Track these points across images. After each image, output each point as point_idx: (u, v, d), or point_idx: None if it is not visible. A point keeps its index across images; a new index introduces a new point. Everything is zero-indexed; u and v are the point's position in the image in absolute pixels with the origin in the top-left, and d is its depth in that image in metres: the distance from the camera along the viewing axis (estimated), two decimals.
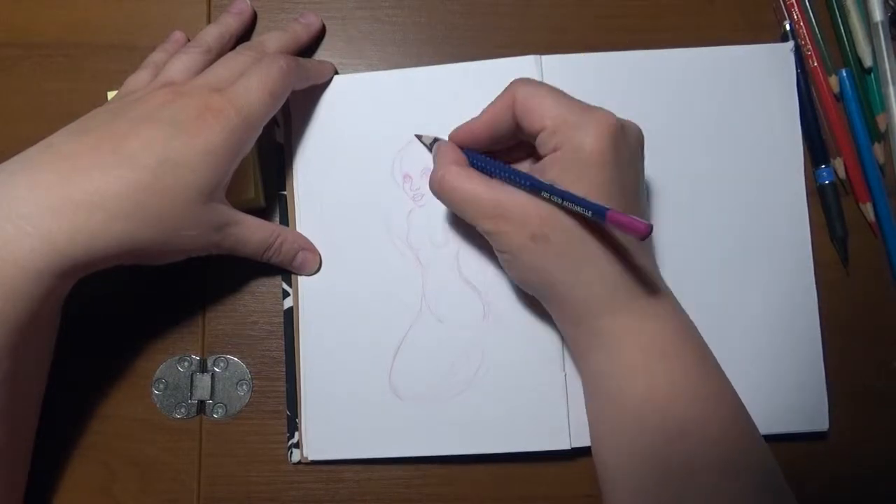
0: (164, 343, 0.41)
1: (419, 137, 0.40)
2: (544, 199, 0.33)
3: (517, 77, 0.40)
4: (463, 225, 0.40)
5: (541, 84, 0.35)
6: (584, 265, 0.33)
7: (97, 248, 0.31)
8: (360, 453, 0.39)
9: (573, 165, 0.33)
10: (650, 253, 0.36)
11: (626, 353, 0.34)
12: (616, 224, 0.29)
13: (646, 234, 0.28)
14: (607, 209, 0.30)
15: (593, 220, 0.31)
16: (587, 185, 0.32)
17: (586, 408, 0.38)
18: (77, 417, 0.40)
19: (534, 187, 0.33)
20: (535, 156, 0.36)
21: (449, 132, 0.40)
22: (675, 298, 0.35)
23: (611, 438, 0.35)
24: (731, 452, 0.32)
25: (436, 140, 0.39)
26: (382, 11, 0.43)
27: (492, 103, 0.36)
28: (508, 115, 0.35)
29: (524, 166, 0.38)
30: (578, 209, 0.31)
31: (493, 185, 0.34)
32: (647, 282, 0.34)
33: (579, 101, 0.34)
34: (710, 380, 0.34)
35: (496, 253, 0.36)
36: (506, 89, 0.35)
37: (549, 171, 0.33)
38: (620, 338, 0.34)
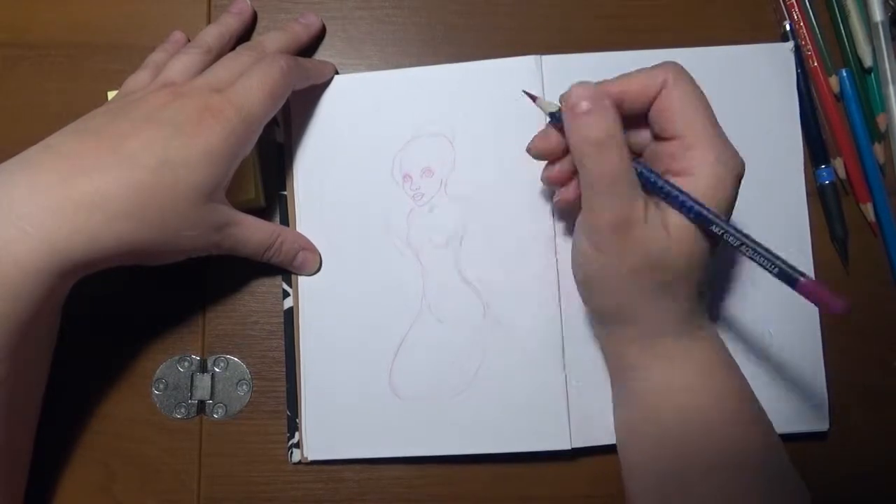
0: (164, 343, 0.41)
1: (532, 98, 0.35)
2: (732, 244, 0.30)
3: (517, 77, 0.40)
4: (463, 225, 0.40)
5: (698, 88, 0.32)
6: (677, 296, 0.33)
7: (97, 249, 0.31)
8: (361, 453, 0.39)
9: (701, 199, 0.31)
10: None
11: (684, 374, 0.34)
12: (811, 296, 0.27)
13: (845, 312, 0.26)
14: (803, 277, 0.28)
15: (783, 282, 0.29)
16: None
17: (617, 417, 0.38)
18: (77, 417, 0.40)
19: (715, 223, 0.30)
20: None
21: (449, 132, 0.40)
22: (712, 324, 0.36)
23: (646, 450, 0.35)
24: (763, 467, 0.33)
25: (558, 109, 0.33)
26: (382, 11, 0.43)
27: (634, 74, 0.32)
28: (647, 97, 0.32)
29: None
30: (768, 264, 0.29)
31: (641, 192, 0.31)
32: (705, 307, 0.35)
33: (721, 130, 0.32)
34: (749, 400, 0.35)
35: (582, 239, 0.33)
36: (657, 70, 0.32)
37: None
38: (681, 360, 0.34)
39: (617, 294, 0.33)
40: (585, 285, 0.35)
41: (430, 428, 0.39)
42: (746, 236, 0.31)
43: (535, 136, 0.35)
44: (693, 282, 0.33)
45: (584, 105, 0.31)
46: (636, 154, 0.35)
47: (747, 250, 0.30)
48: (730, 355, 0.35)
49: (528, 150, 0.35)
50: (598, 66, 0.41)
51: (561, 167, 0.35)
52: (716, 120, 0.32)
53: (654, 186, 0.32)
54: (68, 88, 0.42)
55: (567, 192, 0.35)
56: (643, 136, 0.34)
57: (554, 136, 0.34)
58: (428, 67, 0.41)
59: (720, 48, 0.41)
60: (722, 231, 0.31)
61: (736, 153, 0.32)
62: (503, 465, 0.40)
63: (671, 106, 0.32)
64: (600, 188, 0.31)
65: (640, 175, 0.32)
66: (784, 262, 0.29)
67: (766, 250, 0.30)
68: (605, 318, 0.36)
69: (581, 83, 0.32)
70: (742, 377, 0.35)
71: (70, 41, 0.43)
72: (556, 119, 0.33)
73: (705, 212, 0.31)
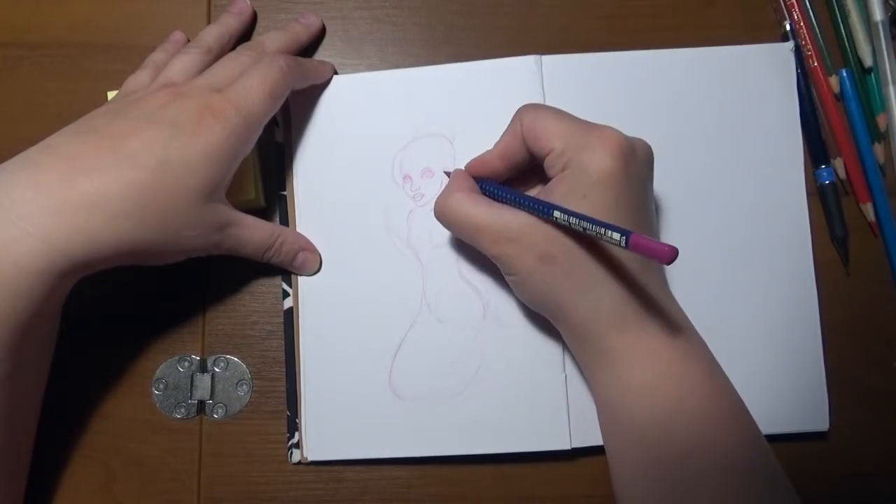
0: (164, 343, 0.41)
1: (447, 174, 0.40)
2: (562, 223, 0.32)
3: (517, 77, 0.40)
4: None
5: (545, 107, 0.35)
6: (591, 285, 0.33)
7: (97, 249, 0.31)
8: (361, 453, 0.39)
9: (579, 185, 0.33)
10: (660, 269, 0.36)
11: (634, 372, 0.33)
12: (639, 249, 0.28)
13: (670, 259, 0.27)
14: (630, 233, 0.29)
15: (611, 244, 0.30)
16: (592, 204, 0.32)
17: (599, 422, 0.38)
18: (77, 417, 0.40)
19: (545, 212, 0.32)
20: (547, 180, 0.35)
21: (448, 132, 0.40)
22: (683, 315, 0.35)
23: (621, 454, 0.35)
24: (738, 465, 0.32)
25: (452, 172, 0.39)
26: (382, 11, 0.43)
27: (503, 133, 0.36)
28: (519, 142, 0.35)
29: (535, 192, 0.38)
30: (599, 232, 0.30)
31: (496, 208, 0.34)
32: (655, 300, 0.34)
33: (585, 121, 0.34)
34: (715, 396, 0.34)
35: (505, 277, 0.36)
36: (513, 117, 0.36)
37: (555, 191, 0.33)
38: (627, 357, 0.33)
39: (543, 294, 0.34)
40: (530, 303, 0.37)
41: (430, 428, 0.39)
42: (574, 211, 0.31)
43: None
44: (606, 272, 0.33)
45: (438, 212, 0.36)
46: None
47: (578, 225, 0.31)
48: (696, 347, 0.34)
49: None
50: (598, 66, 0.41)
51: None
52: (574, 119, 0.34)
53: (509, 200, 0.35)
54: (68, 88, 0.42)
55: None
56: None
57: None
58: (428, 67, 0.41)
59: (720, 48, 0.41)
60: (548, 216, 0.32)
61: (604, 130, 0.33)
62: (503, 465, 0.40)
63: (531, 132, 0.34)
64: (470, 236, 0.35)
65: (496, 196, 0.35)
66: (612, 225, 0.29)
67: (594, 219, 0.30)
68: (553, 320, 0.36)
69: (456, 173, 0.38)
70: (711, 371, 0.34)
71: (70, 41, 0.43)
72: None
73: (543, 207, 0.32)
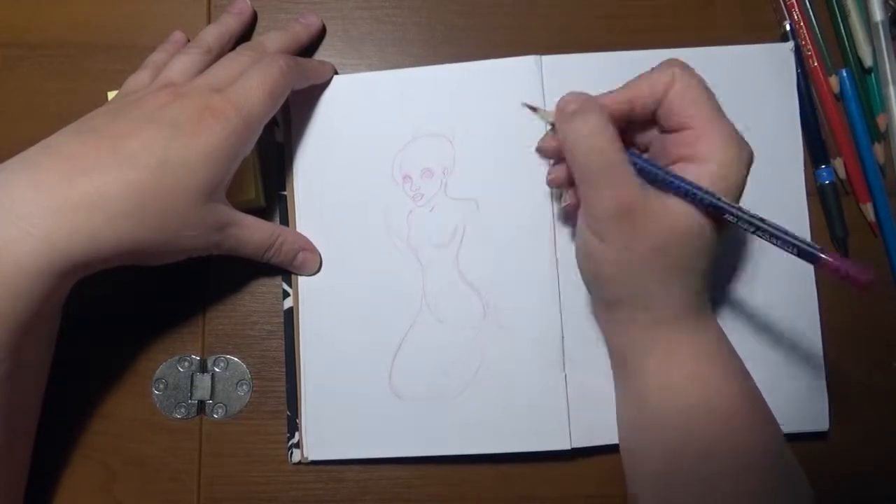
0: (164, 343, 0.41)
1: (533, 109, 0.36)
2: (744, 228, 0.30)
3: (517, 77, 0.40)
4: (463, 225, 0.40)
5: (701, 79, 0.33)
6: (682, 281, 0.33)
7: (97, 249, 0.31)
8: (361, 453, 0.39)
9: (712, 185, 0.31)
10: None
11: (683, 365, 0.34)
12: (835, 271, 0.27)
13: (868, 286, 0.26)
14: (826, 253, 0.27)
15: (804, 260, 0.29)
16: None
17: (619, 413, 0.38)
18: (77, 417, 0.40)
19: (731, 210, 0.30)
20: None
21: (448, 132, 0.40)
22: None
23: (642, 447, 0.35)
24: (757, 465, 0.33)
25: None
26: (382, 11, 0.43)
27: (640, 78, 0.33)
28: (657, 95, 0.33)
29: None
30: (788, 247, 0.29)
31: (637, 180, 0.32)
32: (708, 299, 0.35)
33: (729, 120, 0.32)
34: (749, 388, 0.35)
35: (586, 233, 0.33)
36: (660, 69, 0.33)
37: (685, 175, 0.32)
38: (680, 351, 0.34)
39: (628, 281, 0.33)
40: (597, 279, 0.35)
41: (430, 428, 0.39)
42: (761, 219, 0.30)
43: (544, 136, 0.36)
44: (700, 267, 0.33)
45: (572, 106, 0.32)
46: (643, 150, 0.35)
47: (763, 234, 0.30)
48: (731, 347, 0.35)
49: (537, 149, 0.36)
50: (598, 66, 0.41)
51: (565, 168, 0.35)
52: (721, 109, 0.33)
53: (656, 177, 0.32)
54: (68, 88, 0.42)
55: (574, 197, 0.35)
56: (650, 134, 0.35)
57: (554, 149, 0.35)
58: (428, 67, 0.41)
59: (720, 48, 0.41)
60: (735, 217, 0.31)
61: (743, 139, 0.32)
62: (503, 465, 0.40)
63: (678, 98, 0.32)
64: (594, 179, 0.32)
65: (640, 169, 0.32)
66: (802, 240, 0.29)
67: (783, 231, 0.30)
68: (617, 307, 0.35)
69: (572, 93, 0.33)
70: (744, 367, 0.35)
71: (70, 41, 0.43)
72: (555, 129, 0.34)
73: (708, 197, 0.31)
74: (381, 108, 0.41)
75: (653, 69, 0.33)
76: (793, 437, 0.39)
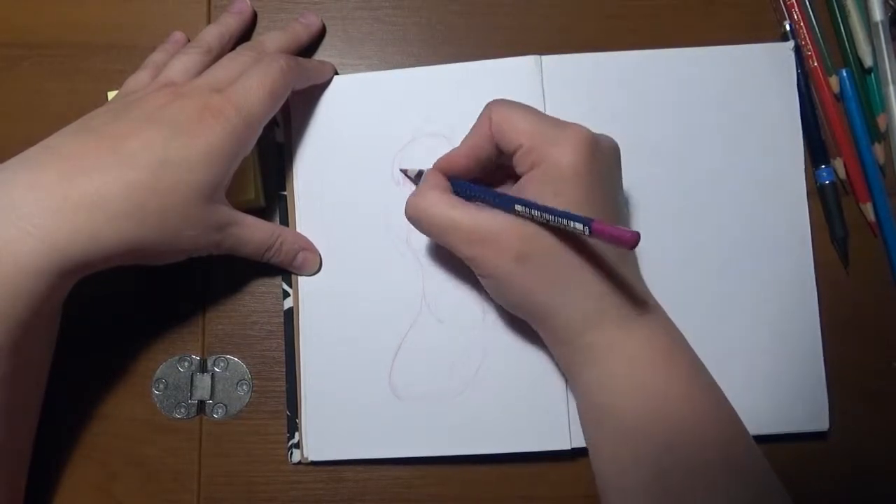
0: (164, 343, 0.41)
1: (404, 172, 0.40)
2: (526, 216, 0.32)
3: (517, 77, 0.40)
4: None
5: (514, 103, 0.35)
6: (568, 283, 0.33)
7: (97, 249, 0.32)
8: (361, 454, 0.39)
9: (550, 181, 0.33)
10: (634, 264, 0.36)
11: (616, 367, 0.33)
12: (602, 235, 0.29)
13: (633, 243, 0.28)
14: (592, 220, 0.29)
15: (577, 234, 0.31)
16: (565, 200, 0.32)
17: (581, 423, 0.37)
18: (77, 417, 0.40)
19: (514, 206, 0.32)
20: (515, 177, 0.35)
21: (448, 132, 0.40)
22: (661, 309, 0.35)
23: (607, 451, 0.35)
24: (724, 456, 0.32)
25: (420, 172, 0.39)
26: (382, 11, 0.43)
27: (471, 129, 0.36)
28: (487, 138, 0.35)
29: (506, 189, 0.37)
30: (562, 223, 0.30)
31: (469, 208, 0.34)
32: (632, 295, 0.34)
33: (553, 118, 0.34)
34: (699, 388, 0.34)
35: (479, 279, 0.36)
36: (482, 113, 0.35)
37: (527, 188, 0.33)
38: (608, 352, 0.33)
39: (525, 299, 0.34)
40: (509, 307, 0.37)
41: (430, 428, 0.39)
42: (537, 204, 0.31)
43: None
44: (584, 270, 0.33)
45: (410, 213, 0.35)
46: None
47: (541, 217, 0.31)
48: (677, 344, 0.35)
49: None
50: (598, 66, 0.41)
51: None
52: (541, 115, 0.34)
53: (479, 198, 0.35)
54: (68, 88, 0.42)
55: None
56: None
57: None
58: (428, 67, 0.41)
59: (720, 48, 0.41)
60: (528, 213, 0.32)
61: (571, 127, 0.33)
62: (503, 465, 0.40)
63: (499, 128, 0.34)
64: (441, 237, 0.35)
65: (468, 196, 0.35)
66: (574, 214, 0.30)
67: (556, 210, 0.31)
68: (537, 324, 0.36)
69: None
70: (693, 368, 0.34)
71: (70, 41, 0.43)
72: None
73: (508, 201, 0.33)
74: (381, 108, 0.41)
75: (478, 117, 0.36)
76: (793, 437, 0.39)
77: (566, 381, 0.39)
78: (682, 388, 0.33)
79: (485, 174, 0.37)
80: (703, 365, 0.35)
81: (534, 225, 0.33)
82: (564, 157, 0.32)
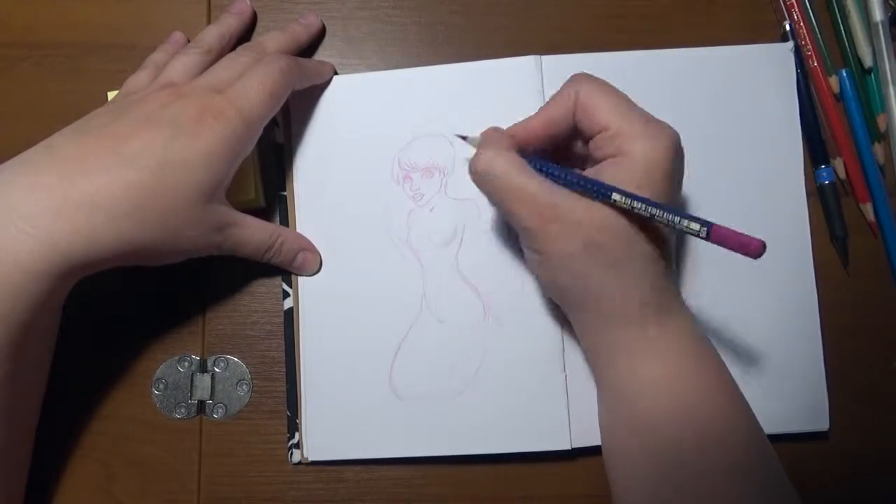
0: (164, 343, 0.41)
1: (464, 138, 0.38)
2: (624, 206, 0.31)
3: (517, 77, 0.40)
4: (463, 225, 0.40)
5: (604, 82, 0.34)
6: (630, 276, 0.33)
7: (98, 249, 0.31)
8: (361, 454, 0.39)
9: (636, 173, 0.32)
10: (674, 269, 0.36)
11: (649, 364, 0.34)
12: (725, 241, 0.27)
13: (759, 252, 0.27)
14: (712, 224, 0.28)
15: (691, 234, 0.30)
16: (648, 195, 0.31)
17: (600, 416, 0.38)
18: (77, 417, 0.40)
19: (607, 194, 0.31)
20: (573, 159, 0.35)
21: (449, 132, 0.40)
22: (691, 314, 0.35)
23: (621, 444, 0.35)
24: (737, 466, 0.32)
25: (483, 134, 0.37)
26: (382, 12, 0.43)
27: (551, 99, 0.35)
28: (568, 112, 0.34)
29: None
30: (672, 221, 0.29)
31: (549, 184, 0.33)
32: (672, 297, 0.34)
33: (640, 108, 0.34)
34: (725, 388, 0.34)
35: (526, 251, 0.35)
36: (566, 85, 0.34)
37: (604, 174, 0.33)
38: (645, 350, 0.34)
39: (575, 284, 0.34)
40: (551, 289, 0.36)
41: (430, 428, 0.39)
42: (655, 205, 0.31)
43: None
44: (641, 264, 0.33)
45: (482, 168, 0.34)
46: (581, 163, 0.36)
47: (661, 217, 0.31)
48: (706, 347, 0.35)
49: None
50: (598, 66, 0.41)
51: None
52: (633, 103, 0.34)
53: (561, 179, 0.33)
54: (68, 88, 0.42)
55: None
56: (580, 146, 0.36)
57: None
58: (428, 68, 0.41)
59: (720, 48, 0.41)
60: (628, 204, 0.31)
61: (663, 125, 0.33)
62: (503, 465, 0.40)
63: (585, 106, 0.33)
64: (505, 205, 0.33)
65: (546, 174, 0.33)
66: (689, 215, 0.29)
67: (676, 210, 0.30)
68: (576, 311, 0.36)
69: (486, 132, 0.36)
70: (720, 371, 0.34)
71: (70, 41, 0.43)
72: None
73: (603, 189, 0.32)
74: (381, 108, 0.41)
75: (561, 88, 0.35)
76: (793, 437, 0.39)
77: (566, 381, 0.39)
78: (708, 392, 0.33)
79: (553, 150, 0.36)
80: (725, 368, 0.35)
81: (613, 214, 0.32)
82: (656, 153, 0.32)
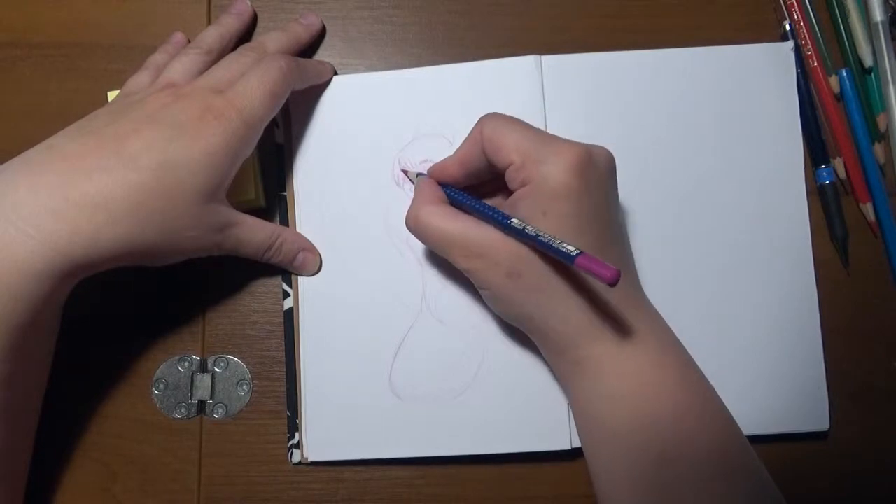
0: (165, 343, 0.41)
1: (405, 172, 0.40)
2: (515, 237, 0.33)
3: (517, 77, 0.40)
4: None
5: (508, 118, 0.35)
6: (558, 299, 0.33)
7: (98, 250, 0.31)
8: (361, 454, 0.39)
9: (541, 199, 0.32)
10: (632, 274, 0.36)
11: (607, 381, 0.33)
12: (585, 269, 0.29)
13: (613, 280, 0.28)
14: (575, 255, 0.29)
15: (561, 260, 0.31)
16: (555, 218, 0.32)
17: (578, 432, 0.38)
18: (77, 417, 0.40)
19: (505, 226, 0.33)
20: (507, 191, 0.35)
21: (448, 132, 0.40)
22: (656, 315, 0.35)
23: (602, 461, 0.35)
24: (719, 464, 0.32)
25: (418, 175, 0.39)
26: (382, 12, 0.43)
27: (465, 139, 0.36)
28: (479, 151, 0.35)
29: (498, 200, 0.38)
30: (549, 247, 0.30)
31: (467, 223, 0.34)
32: (625, 307, 0.33)
33: (546, 134, 0.34)
34: (692, 396, 0.34)
35: (478, 289, 0.36)
36: (475, 126, 0.35)
37: (518, 206, 0.33)
38: (600, 366, 0.33)
39: (518, 311, 0.35)
40: (508, 318, 0.37)
41: (431, 428, 0.39)
42: (524, 230, 0.32)
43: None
44: (567, 286, 0.33)
45: (411, 224, 0.36)
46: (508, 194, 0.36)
47: (533, 239, 0.31)
48: (671, 355, 0.34)
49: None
50: (598, 66, 0.41)
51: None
52: (538, 131, 0.34)
53: (471, 209, 0.35)
54: (68, 88, 0.42)
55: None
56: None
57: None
58: (428, 68, 0.41)
59: (720, 48, 0.41)
60: (505, 226, 0.33)
61: (568, 144, 0.33)
62: (503, 465, 0.40)
63: (490, 143, 0.34)
64: (443, 249, 0.35)
65: (460, 204, 0.36)
66: (557, 248, 0.30)
67: (542, 239, 0.31)
68: (533, 335, 0.36)
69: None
70: (684, 374, 0.34)
71: (70, 41, 0.43)
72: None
73: (502, 217, 0.33)
74: (380, 108, 0.41)
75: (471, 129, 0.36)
76: (793, 437, 0.39)
77: None
78: (673, 400, 0.33)
79: (479, 184, 0.37)
80: (696, 371, 0.35)
81: (522, 243, 0.33)
82: (554, 175, 0.32)
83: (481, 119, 0.35)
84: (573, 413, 0.38)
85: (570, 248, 0.30)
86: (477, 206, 0.35)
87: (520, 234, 0.32)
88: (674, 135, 0.41)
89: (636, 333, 0.33)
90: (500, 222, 0.33)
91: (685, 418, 0.33)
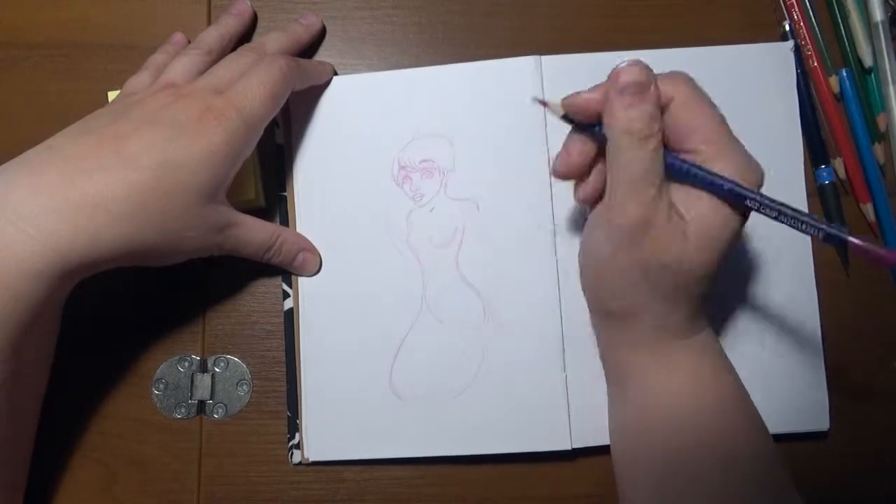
0: (165, 343, 0.41)
1: (544, 104, 0.34)
2: (754, 208, 0.30)
3: (517, 77, 0.40)
4: (463, 225, 0.40)
5: (703, 94, 0.32)
6: (684, 297, 0.33)
7: (98, 250, 0.31)
8: (361, 454, 0.39)
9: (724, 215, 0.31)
10: None
11: (670, 376, 0.34)
12: (861, 254, 0.28)
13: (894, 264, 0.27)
14: (849, 234, 0.28)
15: (825, 242, 0.29)
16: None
17: (610, 415, 0.38)
18: (77, 417, 0.40)
19: (746, 199, 0.30)
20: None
21: (448, 132, 0.40)
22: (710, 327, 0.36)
23: (635, 454, 0.35)
24: (743, 468, 0.33)
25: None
26: (382, 12, 0.43)
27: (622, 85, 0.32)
28: (652, 102, 0.31)
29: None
30: (814, 227, 0.29)
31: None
32: (706, 311, 0.35)
33: (739, 144, 0.32)
34: (737, 390, 0.35)
35: (595, 236, 0.34)
36: (667, 82, 0.32)
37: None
38: (678, 354, 0.34)
39: (626, 293, 0.33)
40: (596, 281, 0.35)
41: (431, 428, 0.39)
42: (783, 205, 0.30)
43: (558, 158, 0.34)
44: (702, 287, 0.33)
45: (632, 93, 0.31)
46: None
47: (786, 220, 0.30)
48: (726, 359, 0.35)
49: (555, 174, 0.35)
50: (598, 66, 0.41)
51: (595, 184, 0.34)
52: (730, 131, 0.32)
53: (683, 174, 0.31)
54: (68, 88, 0.42)
55: (587, 187, 0.34)
56: None
57: (576, 152, 0.33)
58: (428, 68, 0.41)
59: (720, 48, 0.41)
60: (757, 204, 0.30)
61: (754, 163, 0.32)
62: (503, 465, 0.40)
63: (687, 122, 0.31)
64: (629, 184, 0.31)
65: (667, 165, 0.31)
66: (827, 224, 0.29)
67: (807, 216, 0.30)
68: (608, 316, 0.36)
69: (633, 62, 0.31)
70: (737, 382, 0.35)
71: (70, 41, 0.43)
72: (568, 121, 0.33)
73: (737, 188, 0.30)
74: (380, 108, 0.41)
75: (660, 77, 0.32)
76: (793, 437, 0.39)
77: (566, 381, 0.39)
78: (729, 403, 0.34)
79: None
80: (741, 383, 0.35)
81: (724, 215, 0.31)
82: (713, 209, 0.31)
83: (682, 83, 0.32)
84: (624, 404, 0.37)
85: (842, 227, 0.29)
86: (701, 172, 0.31)
87: (766, 205, 0.30)
88: None
89: (706, 335, 0.35)
90: (738, 194, 0.30)
91: (729, 422, 0.34)
